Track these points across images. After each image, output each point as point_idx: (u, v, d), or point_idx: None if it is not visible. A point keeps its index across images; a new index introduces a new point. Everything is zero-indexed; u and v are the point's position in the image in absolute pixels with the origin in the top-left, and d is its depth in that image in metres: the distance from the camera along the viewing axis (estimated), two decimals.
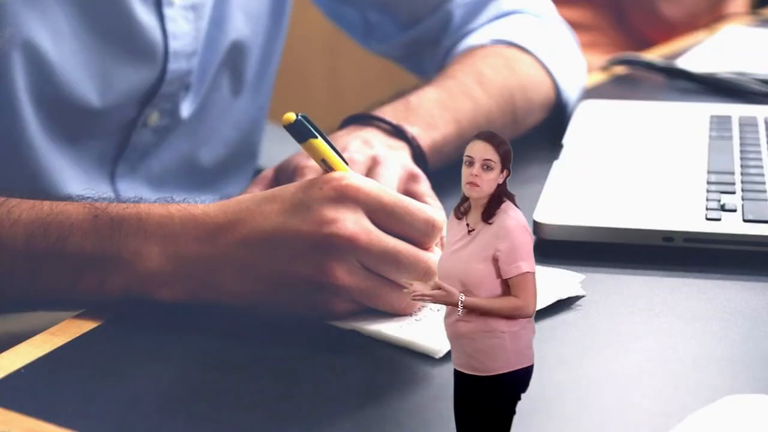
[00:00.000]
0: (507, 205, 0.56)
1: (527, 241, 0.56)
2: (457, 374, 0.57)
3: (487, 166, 0.55)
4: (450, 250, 0.57)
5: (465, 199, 0.56)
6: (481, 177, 0.55)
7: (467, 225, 0.56)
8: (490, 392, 0.56)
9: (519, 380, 0.56)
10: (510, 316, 0.55)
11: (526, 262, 0.55)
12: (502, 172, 0.56)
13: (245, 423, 0.64)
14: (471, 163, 0.55)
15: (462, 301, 0.55)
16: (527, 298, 0.55)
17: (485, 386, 0.56)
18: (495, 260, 0.55)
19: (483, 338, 0.56)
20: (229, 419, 0.64)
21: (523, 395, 0.66)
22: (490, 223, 0.56)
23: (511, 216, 0.56)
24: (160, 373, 0.70)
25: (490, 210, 0.56)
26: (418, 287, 0.57)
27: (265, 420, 0.65)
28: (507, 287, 0.55)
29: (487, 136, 0.56)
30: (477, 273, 0.55)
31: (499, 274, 0.55)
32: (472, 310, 0.55)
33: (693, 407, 0.63)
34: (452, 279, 0.56)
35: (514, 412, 0.57)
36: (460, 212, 0.57)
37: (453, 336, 0.57)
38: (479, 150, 0.55)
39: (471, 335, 0.56)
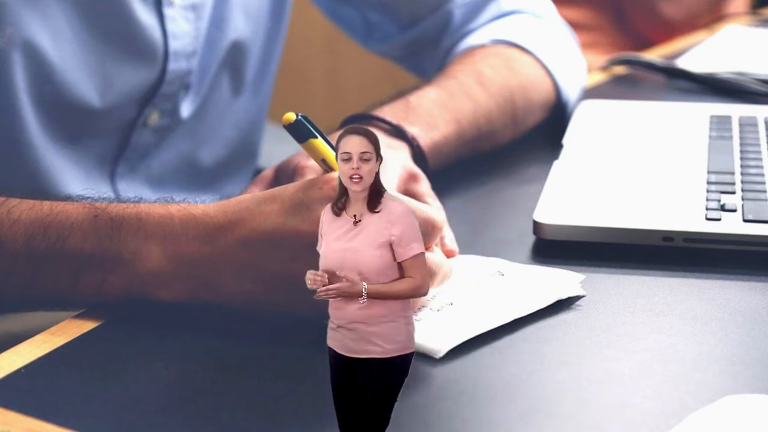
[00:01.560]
0: (388, 193, 0.58)
1: (416, 224, 0.58)
2: (344, 361, 0.58)
3: (365, 158, 0.57)
4: (337, 244, 0.58)
5: (342, 194, 0.58)
6: (362, 170, 0.57)
7: (354, 216, 0.58)
8: (381, 375, 0.58)
9: (406, 364, 0.58)
10: (409, 296, 0.58)
11: (418, 243, 0.58)
12: (377, 161, 0.58)
13: (245, 423, 0.64)
14: (349, 159, 0.57)
15: (366, 289, 0.57)
16: (423, 277, 0.58)
17: (378, 369, 0.58)
18: (390, 245, 0.57)
19: (381, 322, 0.58)
20: (229, 419, 0.64)
21: (523, 395, 0.67)
22: (377, 212, 0.58)
23: (398, 202, 0.58)
24: (160, 373, 0.70)
25: (375, 199, 0.58)
26: (318, 279, 0.58)
27: (265, 420, 0.65)
28: (401, 270, 0.58)
29: (358, 130, 0.58)
30: (375, 260, 0.57)
31: (394, 258, 0.57)
32: (375, 297, 0.57)
33: (693, 407, 0.63)
34: (347, 270, 0.58)
35: (395, 400, 0.59)
36: (338, 208, 0.58)
37: (348, 321, 0.58)
38: (356, 144, 0.57)
39: (369, 320, 0.58)
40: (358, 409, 0.59)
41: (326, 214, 0.59)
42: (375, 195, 0.58)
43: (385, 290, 0.57)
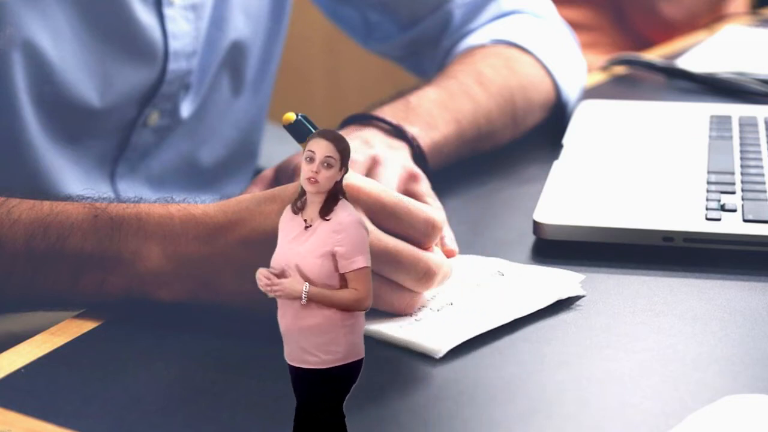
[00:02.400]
0: (343, 202, 0.58)
1: (364, 236, 0.58)
2: (290, 367, 0.59)
3: (327, 164, 0.57)
4: (287, 246, 0.58)
5: (303, 194, 0.58)
6: (321, 173, 0.57)
7: (305, 221, 0.58)
8: (321, 385, 0.58)
9: (351, 373, 0.58)
10: (348, 308, 0.57)
11: (363, 256, 0.57)
12: (340, 170, 0.57)
13: (245, 423, 0.64)
14: (312, 160, 0.57)
15: (306, 291, 0.57)
16: (367, 291, 0.57)
17: (317, 379, 0.58)
18: (333, 255, 0.57)
19: (321, 332, 0.57)
20: (229, 419, 0.64)
21: (523, 395, 0.66)
22: (327, 219, 0.57)
23: (348, 213, 0.58)
24: (160, 373, 0.70)
25: (328, 206, 0.57)
26: (263, 276, 0.57)
27: (265, 420, 0.65)
28: (344, 281, 0.57)
29: (329, 135, 0.57)
30: (315, 267, 0.57)
31: (336, 269, 0.57)
32: (314, 300, 0.57)
33: (693, 407, 0.63)
34: (291, 274, 0.57)
35: (342, 406, 0.59)
36: (297, 207, 0.58)
37: (289, 329, 0.58)
38: (322, 147, 0.57)
39: (309, 329, 0.57)
40: (306, 415, 0.59)
41: (286, 212, 0.59)
42: (330, 201, 0.57)
43: (326, 295, 0.57)
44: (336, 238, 0.57)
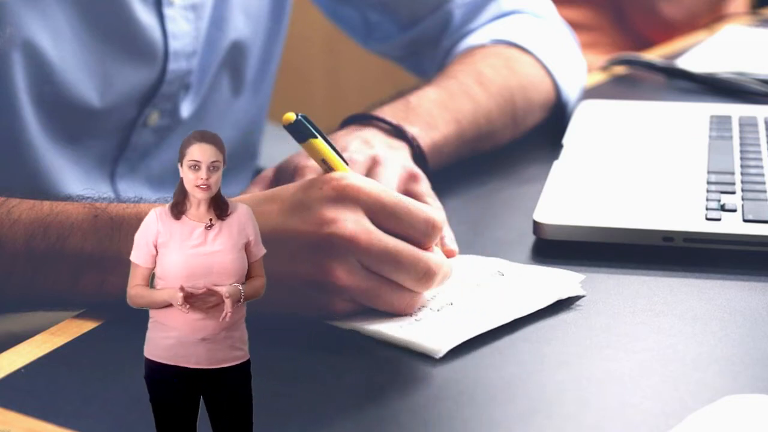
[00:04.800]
0: (226, 197, 0.59)
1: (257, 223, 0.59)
2: (209, 374, 0.58)
3: (214, 167, 0.57)
4: (193, 249, 0.58)
5: (183, 198, 0.58)
6: (211, 178, 0.57)
7: (210, 221, 0.58)
8: (245, 378, 0.59)
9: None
10: (259, 294, 0.59)
11: (261, 243, 0.59)
12: (222, 167, 0.58)
13: None
14: (198, 167, 0.57)
15: (242, 289, 0.58)
16: (264, 275, 0.59)
17: (246, 372, 0.59)
18: (246, 247, 0.58)
19: (240, 325, 0.58)
20: None
21: (523, 395, 0.67)
22: (228, 215, 0.58)
23: (242, 205, 0.59)
24: None
25: (223, 205, 0.58)
26: (184, 299, 0.57)
27: (265, 420, 0.64)
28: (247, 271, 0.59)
29: (209, 138, 0.58)
30: (237, 262, 0.58)
31: (246, 260, 0.58)
32: (247, 296, 0.58)
33: (693, 407, 0.63)
34: (216, 275, 0.57)
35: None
36: (179, 211, 0.58)
37: (214, 331, 0.58)
38: (206, 153, 0.58)
39: (233, 325, 0.58)
40: (230, 421, 0.58)
41: (161, 219, 0.58)
42: (221, 201, 0.58)
43: (253, 289, 0.58)
44: (246, 231, 0.58)
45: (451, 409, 0.65)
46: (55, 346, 0.72)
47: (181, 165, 0.58)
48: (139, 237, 0.59)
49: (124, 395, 0.67)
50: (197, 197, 0.58)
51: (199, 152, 0.57)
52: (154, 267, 0.58)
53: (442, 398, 0.66)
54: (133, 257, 0.59)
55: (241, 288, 0.57)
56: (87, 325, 0.75)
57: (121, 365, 0.71)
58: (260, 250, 0.59)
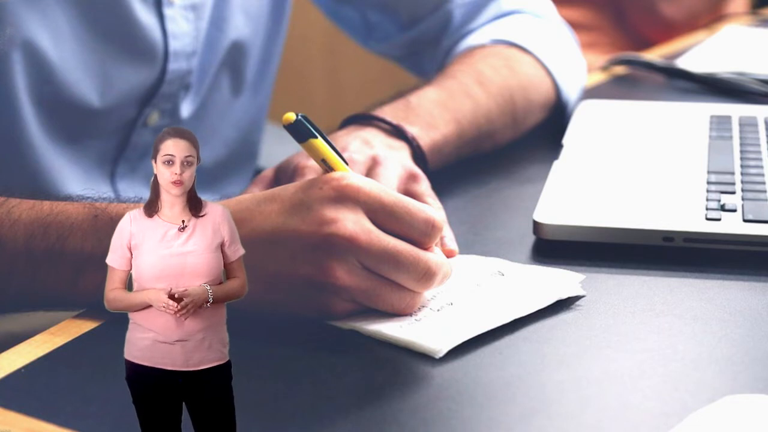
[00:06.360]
0: (199, 196, 0.59)
1: (234, 224, 0.59)
2: (191, 376, 0.58)
3: (188, 163, 0.57)
4: (166, 250, 0.58)
5: (155, 197, 0.58)
6: (184, 174, 0.57)
7: (183, 222, 0.58)
8: (224, 379, 0.58)
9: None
10: (238, 296, 0.58)
11: (239, 244, 0.59)
12: (196, 164, 0.58)
13: (245, 423, 0.64)
14: (172, 162, 0.57)
15: (211, 291, 0.57)
16: (245, 276, 0.59)
17: (227, 373, 0.58)
18: (221, 248, 0.58)
19: (217, 326, 0.58)
20: None
21: (523, 395, 0.67)
22: (202, 215, 0.58)
23: (218, 205, 0.59)
24: None
25: (197, 204, 0.58)
26: (161, 300, 0.56)
27: (265, 420, 0.65)
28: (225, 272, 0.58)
29: (183, 134, 0.58)
30: (212, 262, 0.58)
31: (222, 261, 0.58)
32: (217, 299, 0.57)
33: (693, 407, 0.63)
34: (188, 276, 0.57)
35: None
36: (153, 211, 0.58)
37: (190, 333, 0.57)
38: (180, 148, 0.57)
39: (210, 326, 0.57)
40: (211, 423, 0.58)
41: (135, 220, 0.58)
42: (195, 199, 0.58)
43: (224, 291, 0.58)
44: (221, 231, 0.58)
45: (451, 409, 0.65)
46: (55, 346, 0.72)
47: (155, 161, 0.58)
48: (114, 240, 0.59)
49: (124, 395, 0.67)
50: (171, 193, 0.57)
51: (173, 147, 0.57)
52: (131, 269, 0.58)
53: (442, 398, 0.66)
54: (109, 260, 0.59)
55: (209, 288, 0.57)
56: (87, 325, 0.75)
57: (121, 365, 0.71)
58: (237, 251, 0.59)
